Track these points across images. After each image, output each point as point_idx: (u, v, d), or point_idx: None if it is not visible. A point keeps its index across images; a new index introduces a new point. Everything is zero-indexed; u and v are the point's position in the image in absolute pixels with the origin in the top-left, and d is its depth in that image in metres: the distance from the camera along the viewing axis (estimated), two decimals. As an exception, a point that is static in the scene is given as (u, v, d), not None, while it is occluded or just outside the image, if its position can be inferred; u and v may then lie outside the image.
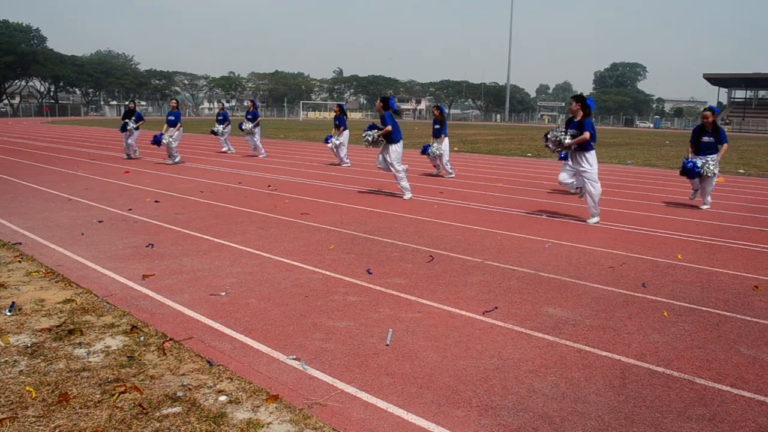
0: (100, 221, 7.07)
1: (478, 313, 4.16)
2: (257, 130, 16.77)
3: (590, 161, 7.75)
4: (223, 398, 2.87)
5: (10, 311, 3.96)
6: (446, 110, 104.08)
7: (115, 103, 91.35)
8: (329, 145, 14.85)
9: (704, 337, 3.82)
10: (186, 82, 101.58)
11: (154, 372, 3.14)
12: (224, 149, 18.34)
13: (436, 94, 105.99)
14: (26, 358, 3.28)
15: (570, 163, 8.04)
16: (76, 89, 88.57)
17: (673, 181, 13.27)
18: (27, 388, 2.91)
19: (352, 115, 68.86)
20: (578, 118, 7.67)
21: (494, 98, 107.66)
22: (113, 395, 2.86)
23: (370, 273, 5.09)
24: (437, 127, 12.55)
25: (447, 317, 4.08)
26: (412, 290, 4.65)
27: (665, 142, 32.18)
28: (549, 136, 7.86)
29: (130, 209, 7.91)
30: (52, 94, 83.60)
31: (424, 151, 12.83)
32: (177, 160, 14.57)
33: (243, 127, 16.56)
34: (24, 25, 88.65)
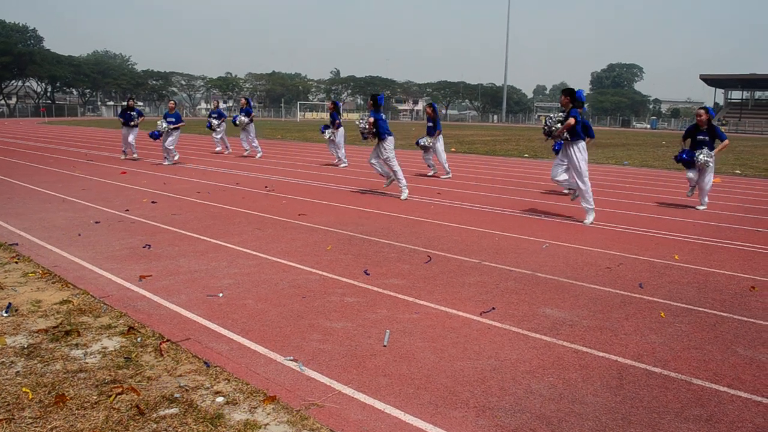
0: (97, 222, 7.05)
1: (475, 314, 4.17)
2: (251, 127, 16.69)
3: (578, 154, 7.74)
4: (220, 399, 2.87)
5: (6, 312, 3.95)
6: (444, 110, 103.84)
7: (111, 103, 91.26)
8: (326, 135, 14.96)
9: (701, 338, 3.82)
10: (183, 82, 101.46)
11: (151, 373, 3.13)
12: (218, 149, 18.28)
13: (433, 95, 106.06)
14: (23, 359, 3.27)
15: (561, 156, 8.10)
16: (73, 90, 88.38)
17: (670, 182, 13.31)
18: (24, 389, 2.91)
19: (350, 116, 68.81)
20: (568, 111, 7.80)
21: (491, 99, 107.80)
22: (110, 396, 2.85)
23: (368, 274, 5.09)
24: (430, 125, 12.71)
25: (444, 318, 4.08)
26: (410, 291, 4.65)
27: (662, 143, 32.26)
28: (544, 123, 8.16)
29: (127, 210, 7.90)
30: (48, 94, 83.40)
31: (418, 143, 13.00)
32: (176, 158, 14.57)
33: (237, 121, 16.47)
34: (21, 25, 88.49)
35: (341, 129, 14.98)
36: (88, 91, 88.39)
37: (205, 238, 6.36)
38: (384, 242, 6.32)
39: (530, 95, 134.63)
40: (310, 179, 12.07)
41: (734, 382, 3.19)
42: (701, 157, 8.90)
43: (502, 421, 2.74)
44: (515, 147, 25.13)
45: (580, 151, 7.73)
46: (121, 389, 2.92)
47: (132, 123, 14.92)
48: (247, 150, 16.97)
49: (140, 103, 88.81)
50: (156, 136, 14.13)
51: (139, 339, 3.57)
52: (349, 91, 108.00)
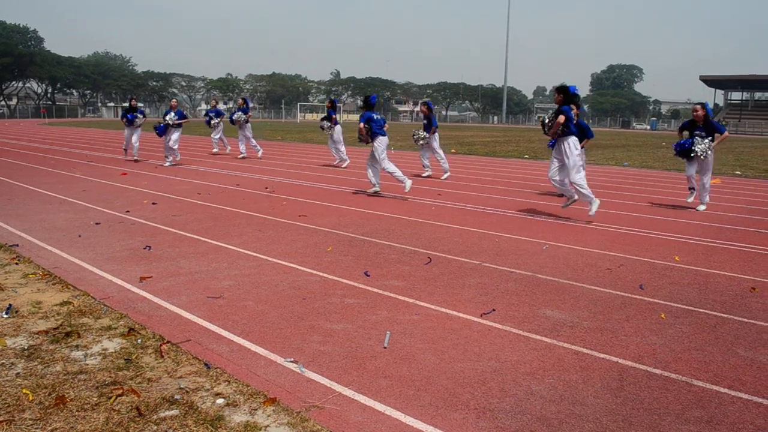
0: (97, 223, 7.06)
1: (475, 315, 4.16)
2: (248, 127, 16.66)
3: (569, 149, 7.85)
4: (220, 401, 2.86)
5: (6, 313, 3.95)
6: (444, 111, 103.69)
7: (112, 104, 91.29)
8: (324, 126, 15.11)
9: (702, 339, 3.82)
10: (183, 83, 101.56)
11: (152, 375, 3.13)
12: (215, 150, 18.26)
13: (433, 96, 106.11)
14: (23, 360, 3.27)
15: (555, 152, 8.17)
16: (74, 91, 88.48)
17: (670, 183, 13.30)
18: (24, 390, 2.90)
19: (350, 117, 68.81)
20: None
21: (491, 100, 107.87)
22: (110, 398, 2.85)
23: (368, 275, 5.09)
24: (425, 122, 12.78)
25: (445, 319, 4.08)
26: (410, 292, 4.65)
27: (662, 144, 32.27)
28: (542, 122, 8.49)
29: (128, 211, 7.90)
30: (49, 95, 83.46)
31: (414, 136, 13.11)
32: (178, 158, 14.58)
33: (234, 118, 16.50)
34: (21, 26, 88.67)
35: (338, 126, 15.06)
36: (88, 92, 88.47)
37: (205, 239, 6.36)
38: (384, 243, 6.32)
39: (530, 96, 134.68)
40: (311, 180, 12.08)
41: (735, 384, 3.19)
42: (700, 147, 8.87)
43: (503, 422, 2.74)
44: (515, 148, 25.13)
45: (570, 146, 7.84)
46: (121, 391, 2.92)
47: (136, 123, 14.83)
48: (242, 153, 16.85)
49: (140, 105, 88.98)
50: (162, 129, 14.05)
51: (139, 340, 3.57)
52: (350, 92, 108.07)
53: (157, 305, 4.23)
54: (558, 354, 3.53)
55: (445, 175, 12.82)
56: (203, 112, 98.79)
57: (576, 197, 8.11)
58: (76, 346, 3.47)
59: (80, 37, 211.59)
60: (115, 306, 4.18)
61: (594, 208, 7.87)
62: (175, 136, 14.21)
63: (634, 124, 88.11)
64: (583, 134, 9.83)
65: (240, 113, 16.46)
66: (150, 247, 5.93)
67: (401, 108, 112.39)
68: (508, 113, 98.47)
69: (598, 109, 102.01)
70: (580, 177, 7.83)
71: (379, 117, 9.96)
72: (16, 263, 5.22)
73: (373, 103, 10.04)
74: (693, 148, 8.91)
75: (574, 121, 8.11)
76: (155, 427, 2.61)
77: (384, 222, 7.56)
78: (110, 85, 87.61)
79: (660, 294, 4.77)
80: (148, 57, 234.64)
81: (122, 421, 2.65)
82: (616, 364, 3.41)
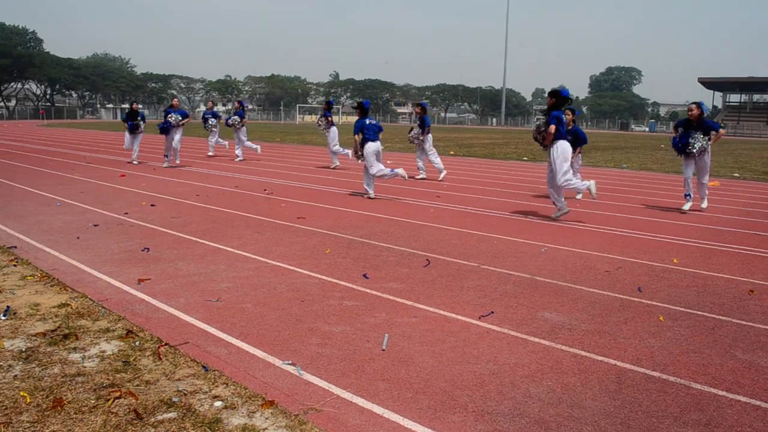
0: (95, 225, 7.05)
1: (474, 317, 4.16)
2: (243, 130, 16.70)
3: (555, 154, 7.97)
4: (218, 404, 2.86)
5: (4, 315, 3.95)
6: (443, 113, 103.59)
7: (111, 106, 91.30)
8: (320, 124, 15.24)
9: (700, 342, 3.82)
10: (182, 85, 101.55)
11: (150, 377, 3.12)
12: (210, 153, 18.26)
13: (432, 98, 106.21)
14: (21, 362, 3.26)
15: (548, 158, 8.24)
16: (73, 92, 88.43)
17: (668, 185, 13.32)
18: (21, 393, 2.90)
19: (349, 119, 68.83)
20: None
21: (490, 102, 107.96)
22: (108, 400, 2.84)
23: (367, 277, 5.09)
24: (418, 123, 12.85)
25: (443, 322, 4.07)
26: (408, 295, 4.65)
27: (660, 146, 32.31)
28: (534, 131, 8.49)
29: (126, 213, 7.89)
30: (48, 96, 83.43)
31: (409, 134, 13.15)
32: (177, 162, 14.57)
33: (229, 122, 16.57)
34: (20, 27, 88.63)
35: (333, 127, 15.13)
36: (87, 93, 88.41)
37: (203, 241, 6.35)
38: (383, 246, 6.32)
39: (529, 98, 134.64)
40: (309, 182, 12.08)
41: (733, 386, 3.19)
42: (697, 144, 8.86)
43: (501, 425, 2.74)
44: (514, 150, 25.15)
45: (558, 150, 7.90)
46: (119, 393, 2.91)
47: (138, 130, 14.85)
48: (239, 157, 16.84)
49: (140, 107, 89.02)
50: (167, 126, 14.05)
51: (137, 343, 3.57)
52: (349, 94, 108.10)
53: (155, 307, 4.22)
54: (556, 356, 3.53)
55: (442, 174, 12.84)
56: (201, 114, 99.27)
57: (567, 210, 8.18)
58: (74, 349, 3.46)
59: (79, 38, 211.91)
60: (113, 308, 4.17)
61: (593, 189, 7.98)
62: (177, 136, 14.24)
63: (633, 126, 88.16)
64: (578, 140, 9.87)
65: (236, 117, 16.56)
66: (148, 249, 5.92)
67: (400, 110, 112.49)
68: (506, 115, 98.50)
69: (596, 111, 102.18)
70: (566, 180, 7.91)
71: (373, 123, 9.94)
72: (15, 265, 5.21)
73: (367, 109, 10.05)
74: (690, 141, 8.94)
75: (569, 126, 8.15)
76: (153, 430, 2.61)
77: (383, 224, 7.56)
78: (109, 87, 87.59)
79: (658, 296, 4.77)
80: (147, 58, 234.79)
81: (120, 424, 2.64)
82: (615, 366, 3.42)
